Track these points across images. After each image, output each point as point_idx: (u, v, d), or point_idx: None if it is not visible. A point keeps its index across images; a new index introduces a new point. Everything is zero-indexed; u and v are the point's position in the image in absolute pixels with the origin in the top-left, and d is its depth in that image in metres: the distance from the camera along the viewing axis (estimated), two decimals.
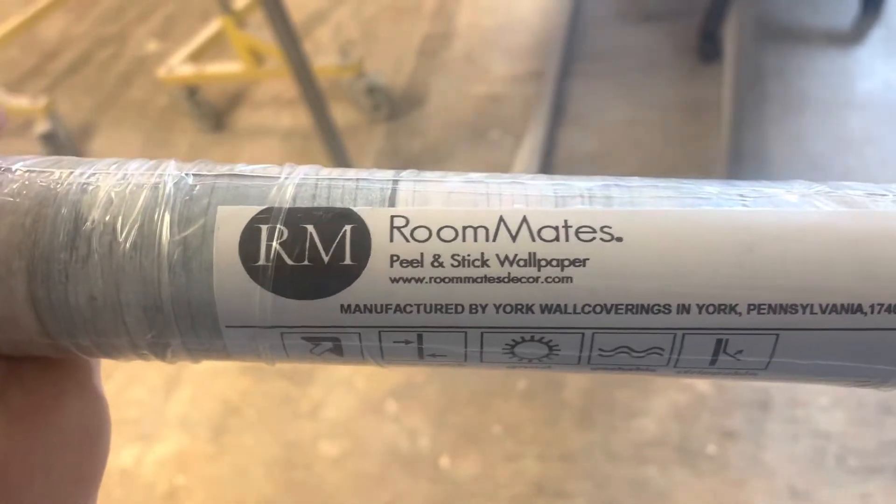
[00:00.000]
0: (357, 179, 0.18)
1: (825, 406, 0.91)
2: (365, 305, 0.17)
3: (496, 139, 1.40)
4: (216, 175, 0.18)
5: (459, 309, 0.17)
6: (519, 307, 0.17)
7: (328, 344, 0.17)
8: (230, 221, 0.17)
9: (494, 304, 0.17)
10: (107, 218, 0.17)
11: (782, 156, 1.24)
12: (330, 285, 0.16)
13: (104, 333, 0.17)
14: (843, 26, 1.46)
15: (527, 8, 1.75)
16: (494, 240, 0.17)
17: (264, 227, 0.17)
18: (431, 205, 0.17)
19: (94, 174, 0.18)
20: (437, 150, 1.42)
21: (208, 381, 1.10)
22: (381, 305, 0.17)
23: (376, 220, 0.17)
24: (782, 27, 1.49)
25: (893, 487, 0.84)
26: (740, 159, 1.21)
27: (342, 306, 0.17)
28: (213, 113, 1.63)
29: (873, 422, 0.89)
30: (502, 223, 0.17)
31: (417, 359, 0.18)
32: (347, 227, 0.17)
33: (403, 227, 0.17)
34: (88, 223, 0.17)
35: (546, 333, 0.17)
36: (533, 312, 0.17)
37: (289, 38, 1.12)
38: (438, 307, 0.17)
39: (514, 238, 0.17)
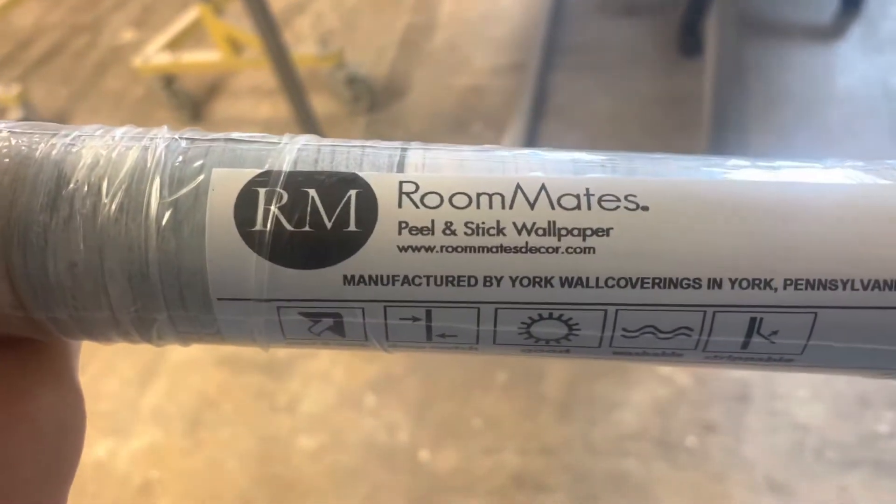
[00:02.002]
0: (363, 147, 0.17)
1: (804, 399, 0.91)
2: (370, 276, 0.15)
3: (478, 131, 1.40)
4: (211, 139, 0.17)
5: (472, 281, 0.15)
6: (537, 280, 0.15)
7: (328, 321, 0.16)
8: (225, 184, 0.15)
9: (510, 277, 0.15)
10: (91, 179, 0.15)
11: (763, 149, 1.25)
12: (332, 253, 0.15)
13: (84, 306, 0.16)
14: (824, 21, 1.47)
15: None
16: (511, 207, 0.15)
17: (262, 191, 0.15)
18: (443, 171, 0.16)
19: (80, 136, 0.16)
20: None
21: (184, 373, 1.09)
22: (388, 276, 0.15)
23: (383, 186, 0.16)
24: (763, 22, 1.49)
25: (871, 480, 0.84)
26: (721, 152, 1.21)
27: (345, 277, 0.15)
28: (191, 103, 1.61)
29: (852, 415, 0.89)
30: (519, 190, 0.16)
31: (425, 340, 0.17)
32: (352, 192, 0.15)
33: (413, 192, 0.16)
34: (72, 184, 0.15)
35: (566, 310, 0.16)
36: (552, 286, 0.15)
37: (268, 27, 1.11)
38: (450, 279, 0.15)
39: (531, 206, 0.15)
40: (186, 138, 0.16)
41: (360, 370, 1.04)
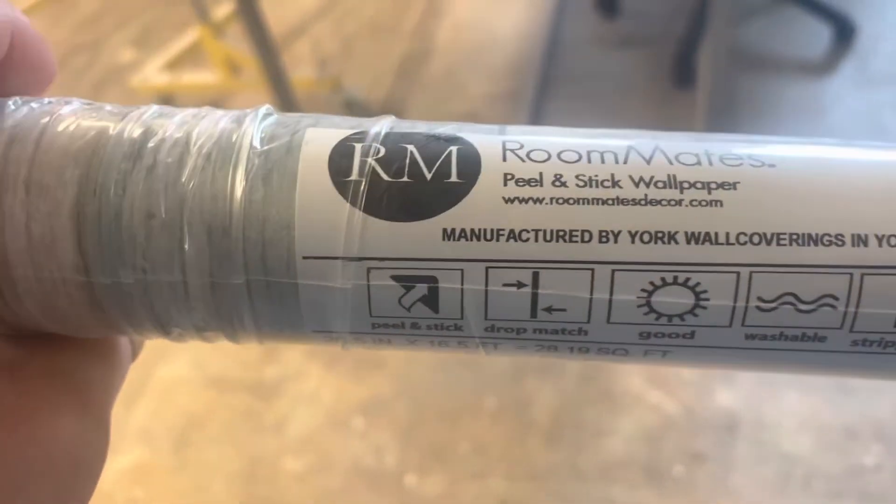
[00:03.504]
0: (459, 123, 0.16)
1: (791, 429, 0.92)
2: (472, 230, 0.14)
3: None
4: (302, 115, 0.16)
5: (586, 237, 0.14)
6: (659, 235, 0.14)
7: (423, 288, 0.14)
8: (321, 138, 0.15)
9: (629, 231, 0.14)
10: (180, 133, 0.14)
11: None
12: (432, 204, 0.14)
13: (154, 267, 0.14)
14: (815, 57, 1.49)
15: (506, 29, 1.77)
16: (625, 162, 0.14)
17: (359, 145, 0.14)
18: (547, 136, 0.15)
19: (170, 107, 0.16)
20: None
21: (171, 392, 1.08)
22: (492, 231, 0.14)
23: (486, 144, 0.15)
24: (755, 56, 1.51)
25: None
26: None
27: (444, 231, 0.14)
28: None
29: (838, 446, 0.90)
30: (632, 150, 0.14)
31: (529, 317, 0.15)
32: (453, 148, 0.14)
33: (518, 149, 0.14)
34: (159, 135, 0.14)
35: (693, 272, 0.14)
36: (676, 242, 0.14)
37: (266, 49, 1.12)
38: (561, 234, 0.14)
39: (647, 161, 0.14)
40: (278, 115, 0.16)
41: (348, 392, 1.04)
